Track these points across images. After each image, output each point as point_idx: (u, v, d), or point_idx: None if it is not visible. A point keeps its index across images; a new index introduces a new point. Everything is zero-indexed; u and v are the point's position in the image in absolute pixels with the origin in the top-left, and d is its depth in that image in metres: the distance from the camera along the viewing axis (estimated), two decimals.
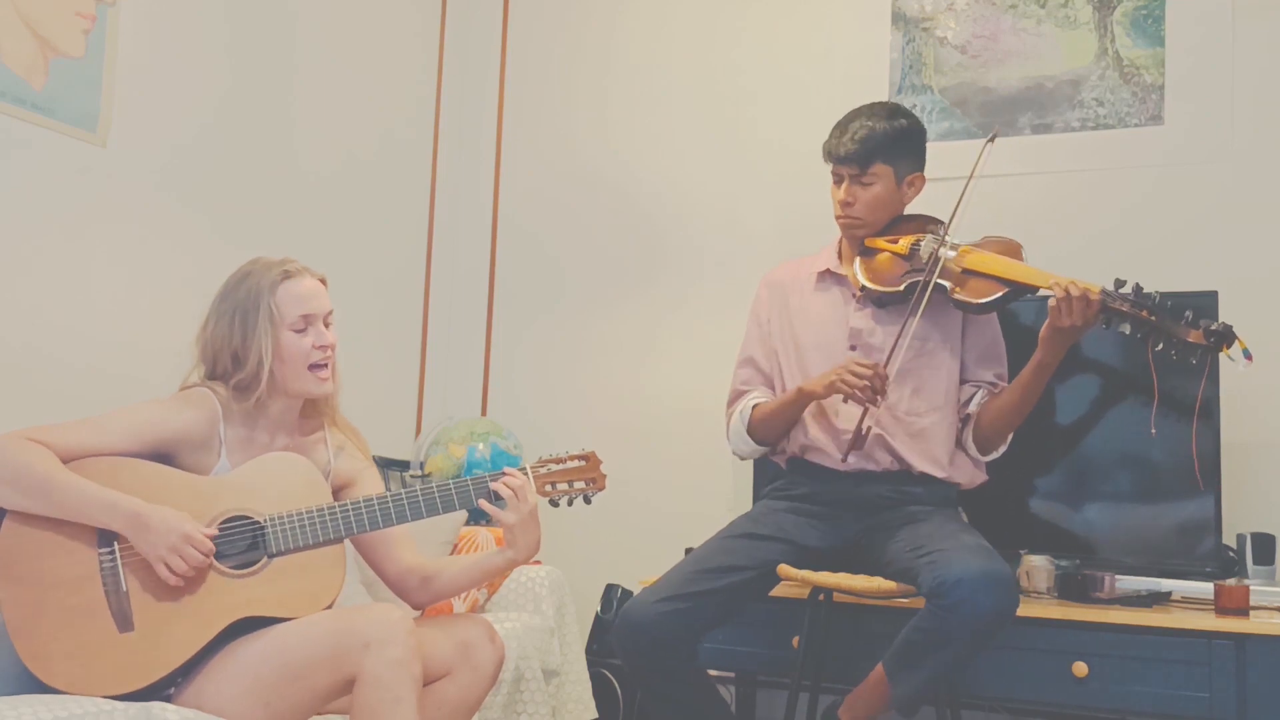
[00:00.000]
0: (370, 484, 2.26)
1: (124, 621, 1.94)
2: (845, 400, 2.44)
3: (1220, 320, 2.31)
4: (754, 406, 2.64)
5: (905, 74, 3.41)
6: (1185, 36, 3.13)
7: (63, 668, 1.89)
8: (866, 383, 2.37)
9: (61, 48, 2.57)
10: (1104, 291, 2.35)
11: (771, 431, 2.63)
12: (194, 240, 2.90)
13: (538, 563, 3.20)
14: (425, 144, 3.84)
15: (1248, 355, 2.30)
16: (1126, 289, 2.36)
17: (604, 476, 2.24)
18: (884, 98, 3.39)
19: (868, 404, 2.41)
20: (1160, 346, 2.34)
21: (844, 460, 2.50)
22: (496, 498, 2.13)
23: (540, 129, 3.88)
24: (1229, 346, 2.30)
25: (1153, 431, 2.67)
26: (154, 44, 2.81)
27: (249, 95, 3.11)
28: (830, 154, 2.59)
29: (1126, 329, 2.36)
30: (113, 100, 2.69)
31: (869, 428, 2.46)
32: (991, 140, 2.55)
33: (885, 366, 2.44)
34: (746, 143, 3.61)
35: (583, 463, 2.23)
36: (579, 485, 2.22)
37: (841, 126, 2.59)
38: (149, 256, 2.79)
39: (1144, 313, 2.33)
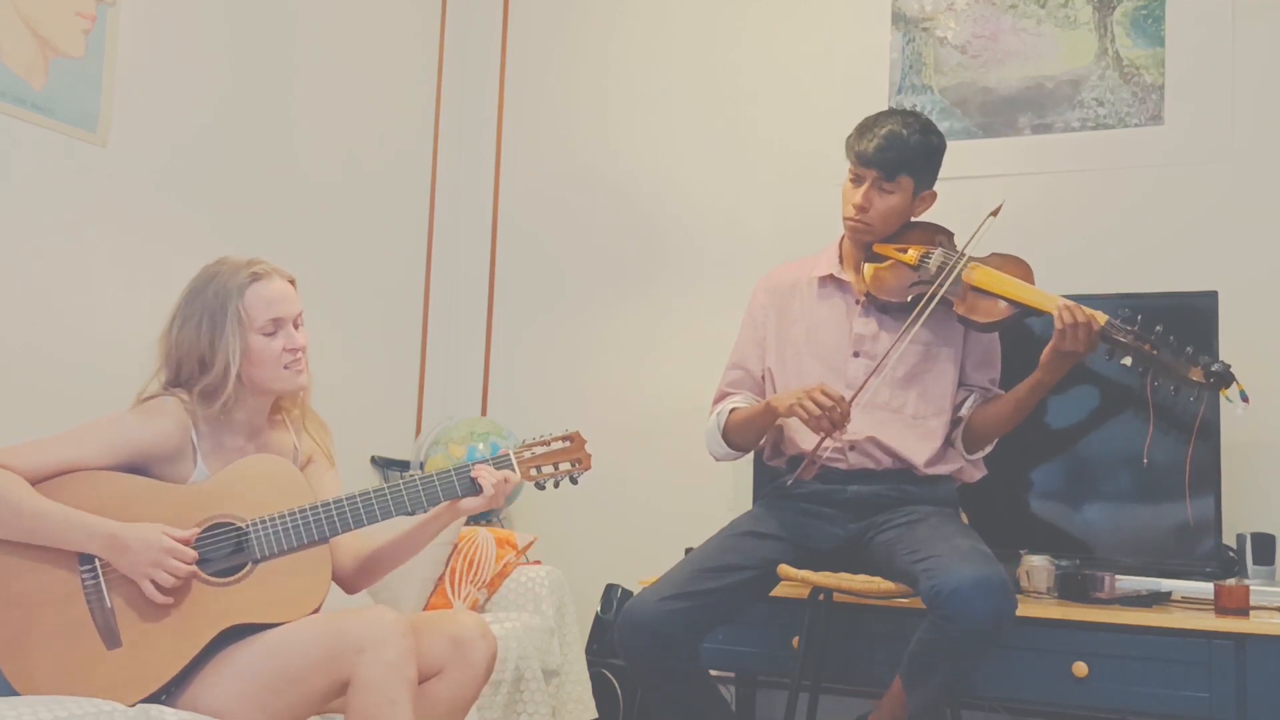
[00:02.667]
0: (328, 476, 2.22)
1: (111, 638, 1.91)
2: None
3: (1220, 360, 2.33)
4: (731, 410, 2.64)
5: (905, 74, 3.41)
6: (1185, 36, 3.13)
7: (51, 688, 1.87)
8: (824, 413, 2.33)
9: (61, 48, 2.57)
10: (1109, 322, 2.36)
11: (743, 439, 2.63)
12: (194, 240, 2.90)
13: (537, 562, 3.20)
14: (425, 144, 3.84)
15: (1245, 398, 2.32)
16: (1131, 321, 2.36)
17: (589, 456, 2.18)
18: (884, 98, 3.39)
19: (825, 434, 2.37)
20: (1159, 381, 2.36)
21: (789, 484, 2.48)
22: (474, 484, 2.09)
23: (540, 129, 3.88)
24: (1227, 388, 2.32)
25: (1144, 461, 2.68)
26: (154, 44, 2.81)
27: (249, 95, 3.11)
28: (857, 154, 2.53)
29: (1128, 361, 2.37)
30: (113, 100, 2.69)
31: (822, 456, 2.41)
32: (994, 214, 2.52)
33: (873, 372, 2.44)
34: (746, 143, 3.61)
35: (567, 443, 2.18)
36: (564, 467, 2.17)
37: (870, 127, 2.54)
38: (149, 256, 2.79)
39: (1146, 346, 2.34)
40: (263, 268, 2.09)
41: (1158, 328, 2.35)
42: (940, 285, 2.45)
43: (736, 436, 2.63)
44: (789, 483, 2.49)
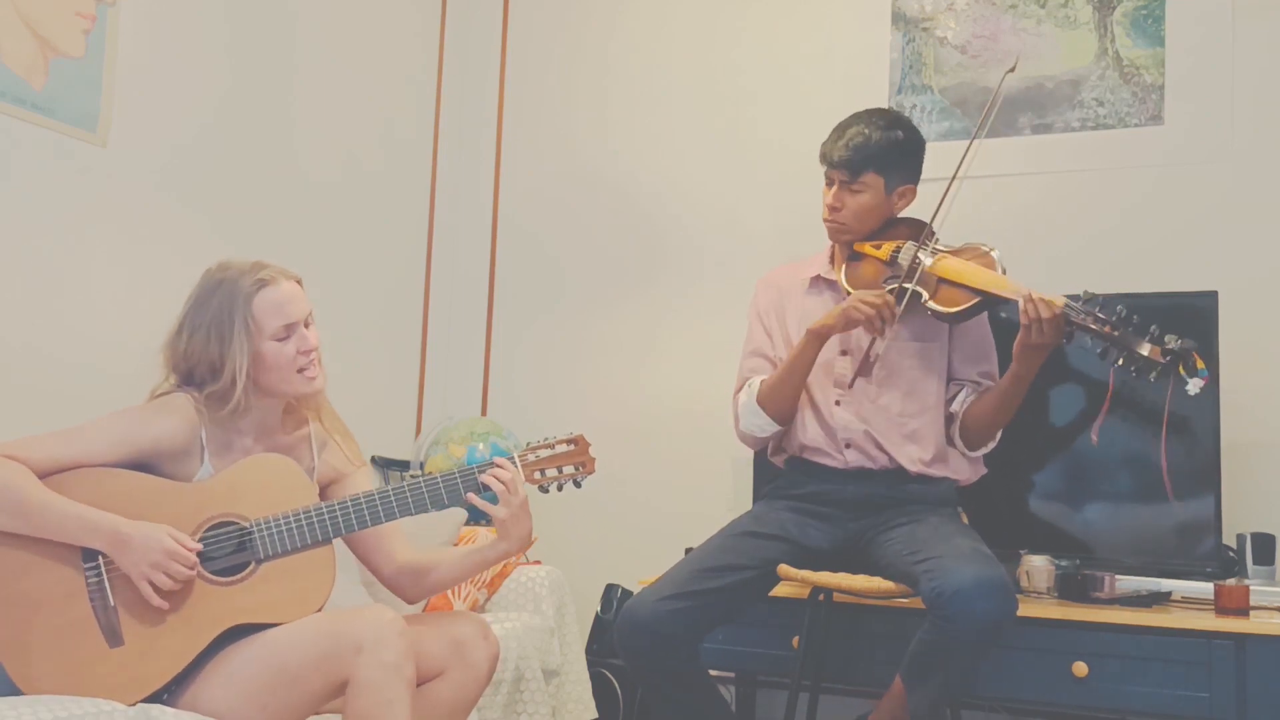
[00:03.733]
0: (360, 484, 2.23)
1: (113, 637, 1.92)
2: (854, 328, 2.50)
3: (1182, 339, 2.24)
4: (760, 381, 2.63)
5: (905, 74, 3.41)
6: (1185, 36, 3.13)
7: (53, 687, 1.87)
8: (875, 311, 2.42)
9: (61, 48, 2.57)
10: (1066, 305, 2.33)
11: (783, 397, 2.58)
12: (194, 240, 2.90)
13: (537, 562, 3.20)
14: (425, 144, 3.84)
15: (1203, 375, 2.22)
16: (1090, 302, 2.33)
17: (593, 460, 2.18)
18: (884, 98, 3.39)
19: (876, 333, 2.47)
20: (1120, 362, 2.29)
21: (850, 386, 2.55)
22: (485, 490, 2.09)
23: (540, 129, 3.88)
24: (1185, 365, 2.23)
25: (1094, 440, 2.67)
26: (154, 44, 2.81)
27: (249, 95, 3.11)
28: (824, 157, 2.61)
29: (1088, 342, 2.34)
30: (113, 100, 2.69)
31: (877, 355, 2.52)
32: (1012, 70, 2.55)
33: (866, 362, 2.51)
34: (746, 143, 3.61)
35: (571, 446, 2.17)
36: (569, 470, 2.17)
37: (839, 131, 2.60)
38: (149, 256, 2.79)
39: (1106, 328, 2.30)
40: (268, 272, 2.07)
41: (1119, 308, 2.30)
42: (910, 278, 2.49)
43: (775, 397, 2.59)
44: (849, 385, 2.56)
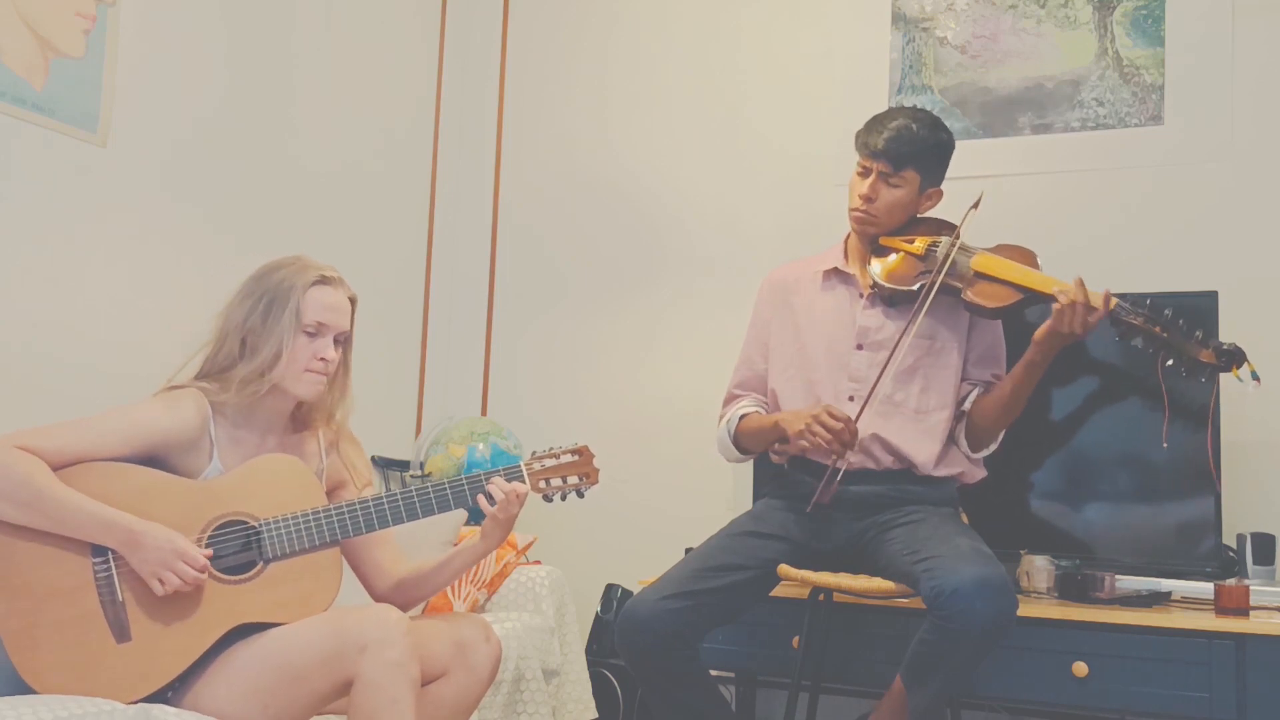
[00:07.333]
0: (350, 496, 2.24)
1: (121, 632, 1.92)
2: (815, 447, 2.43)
3: (1231, 341, 2.37)
4: (740, 418, 2.66)
5: (905, 74, 3.41)
6: (1185, 36, 3.13)
7: (59, 680, 1.87)
8: (833, 436, 2.37)
9: (61, 48, 2.57)
10: (1119, 305, 2.38)
11: (753, 447, 2.67)
12: (194, 240, 2.90)
13: (537, 562, 3.20)
14: (425, 144, 3.84)
15: (1256, 377, 2.36)
16: (1140, 304, 2.39)
17: (597, 471, 2.21)
18: (884, 98, 3.39)
19: (835, 457, 2.40)
20: (1170, 363, 2.39)
21: (808, 509, 2.47)
22: (486, 494, 2.12)
23: (540, 129, 3.88)
24: (1238, 367, 2.35)
25: (1164, 445, 2.68)
26: (154, 44, 2.81)
27: (249, 95, 3.11)
28: (865, 146, 2.56)
29: (1139, 342, 2.41)
30: (113, 100, 2.69)
31: (838, 480, 2.43)
32: (975, 207, 2.54)
33: (884, 368, 2.45)
34: (746, 143, 3.61)
35: (576, 457, 2.21)
36: (572, 480, 2.20)
37: (880, 121, 2.57)
38: (149, 256, 2.79)
39: (1157, 328, 2.38)
40: (334, 275, 2.14)
41: (1166, 311, 2.39)
42: (940, 271, 2.46)
43: (747, 443, 2.67)
44: (808, 509, 2.48)
